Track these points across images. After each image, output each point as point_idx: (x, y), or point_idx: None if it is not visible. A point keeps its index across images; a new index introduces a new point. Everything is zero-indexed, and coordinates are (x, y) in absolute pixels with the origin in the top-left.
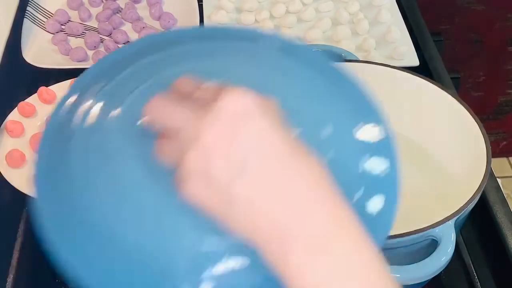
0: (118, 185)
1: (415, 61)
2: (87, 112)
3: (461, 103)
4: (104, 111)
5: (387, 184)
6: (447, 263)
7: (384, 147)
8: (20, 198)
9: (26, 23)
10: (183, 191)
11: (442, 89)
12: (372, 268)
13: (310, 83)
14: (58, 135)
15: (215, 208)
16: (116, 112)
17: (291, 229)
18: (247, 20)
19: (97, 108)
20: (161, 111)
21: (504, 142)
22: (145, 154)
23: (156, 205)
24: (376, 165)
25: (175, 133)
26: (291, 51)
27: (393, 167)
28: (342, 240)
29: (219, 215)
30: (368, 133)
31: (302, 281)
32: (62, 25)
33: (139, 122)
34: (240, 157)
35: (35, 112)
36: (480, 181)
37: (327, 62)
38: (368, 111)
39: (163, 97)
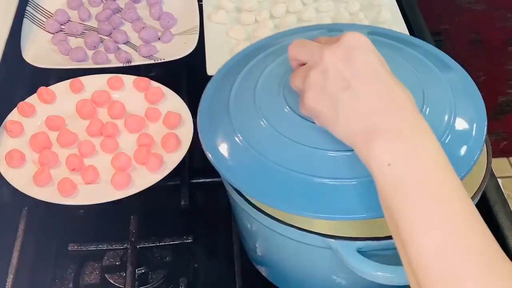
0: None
1: None
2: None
3: None
4: (254, 72)
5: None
6: None
7: (473, 130)
8: (20, 198)
9: (26, 23)
10: (303, 101)
11: None
12: (438, 160)
13: (412, 58)
14: (219, 88)
15: (325, 112)
16: (263, 70)
17: (377, 124)
18: (247, 20)
19: (248, 71)
20: (299, 47)
21: (505, 142)
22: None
23: (287, 125)
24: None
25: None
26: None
27: (479, 134)
28: (418, 139)
29: (327, 119)
30: (462, 114)
31: (379, 162)
32: (62, 25)
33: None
34: (350, 75)
35: (35, 112)
36: (480, 181)
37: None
38: (463, 87)
39: (302, 39)
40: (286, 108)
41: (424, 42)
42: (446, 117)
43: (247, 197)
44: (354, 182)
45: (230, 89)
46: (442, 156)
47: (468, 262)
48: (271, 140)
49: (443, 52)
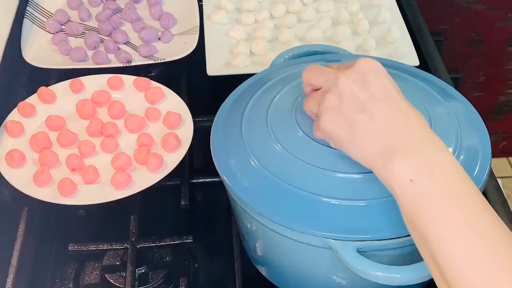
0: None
1: (415, 61)
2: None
3: None
4: (266, 96)
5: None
6: None
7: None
8: (20, 198)
9: (26, 23)
10: (319, 124)
11: None
12: (455, 170)
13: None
14: (233, 109)
15: (340, 134)
16: (276, 94)
17: (393, 144)
18: (247, 20)
19: (259, 96)
20: (313, 72)
21: (504, 142)
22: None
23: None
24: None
25: (320, 88)
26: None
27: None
28: (435, 152)
29: (343, 141)
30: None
31: (400, 180)
32: (62, 25)
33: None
34: (365, 98)
35: (35, 112)
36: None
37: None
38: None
39: (315, 64)
40: (299, 132)
41: (428, 74)
42: (453, 144)
43: (258, 214)
44: (363, 203)
45: (243, 110)
46: (459, 166)
47: (500, 269)
48: (282, 160)
49: (446, 83)
